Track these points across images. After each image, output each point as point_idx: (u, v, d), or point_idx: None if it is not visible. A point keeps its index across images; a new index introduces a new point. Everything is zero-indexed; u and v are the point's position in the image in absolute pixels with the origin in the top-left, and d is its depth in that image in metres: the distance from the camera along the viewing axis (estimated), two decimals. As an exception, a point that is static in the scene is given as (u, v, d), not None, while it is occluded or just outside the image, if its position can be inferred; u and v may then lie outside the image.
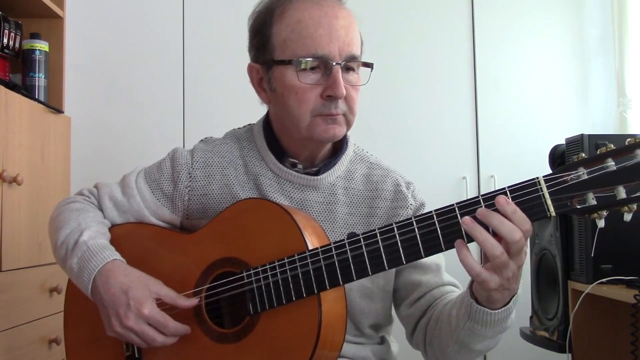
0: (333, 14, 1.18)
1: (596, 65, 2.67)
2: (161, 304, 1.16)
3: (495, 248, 0.96)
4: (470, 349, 1.13)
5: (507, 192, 0.98)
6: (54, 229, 1.28)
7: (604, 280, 1.79)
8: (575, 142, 1.90)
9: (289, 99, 1.20)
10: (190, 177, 1.29)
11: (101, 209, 1.32)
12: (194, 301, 1.17)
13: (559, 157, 1.99)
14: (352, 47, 1.19)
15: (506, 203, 0.96)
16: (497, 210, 0.96)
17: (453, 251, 1.00)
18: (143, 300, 1.13)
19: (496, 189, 1.00)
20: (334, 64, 1.17)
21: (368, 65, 1.23)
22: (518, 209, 0.96)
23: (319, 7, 1.18)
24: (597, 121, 2.63)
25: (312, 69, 1.18)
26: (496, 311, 1.04)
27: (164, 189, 1.30)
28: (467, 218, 0.98)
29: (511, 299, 1.05)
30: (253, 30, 1.26)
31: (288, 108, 1.20)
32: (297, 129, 1.21)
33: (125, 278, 1.16)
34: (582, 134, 1.87)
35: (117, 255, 1.21)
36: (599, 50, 2.67)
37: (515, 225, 0.95)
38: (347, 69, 1.20)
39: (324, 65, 1.18)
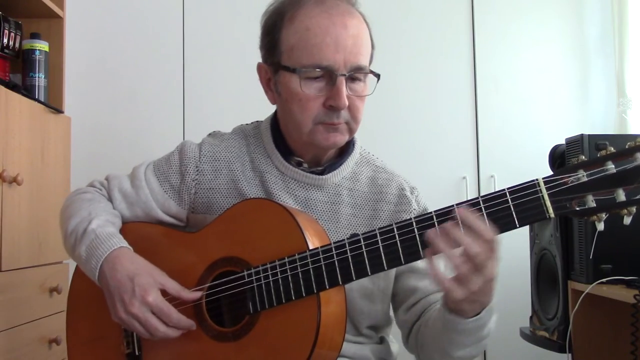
0: (342, 24, 1.17)
1: (596, 65, 2.66)
2: (165, 296, 1.16)
3: (454, 259, 0.96)
4: (451, 356, 1.13)
5: (507, 193, 0.98)
6: (65, 218, 1.29)
7: (604, 280, 1.78)
8: (575, 142, 1.90)
9: (292, 105, 1.20)
10: (197, 170, 1.30)
11: (111, 201, 1.33)
12: (197, 294, 1.17)
13: (559, 157, 1.98)
14: (359, 57, 1.18)
15: (465, 215, 0.97)
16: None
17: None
18: (148, 288, 1.14)
19: (496, 189, 1.00)
20: (339, 74, 1.16)
21: (375, 74, 1.22)
22: (477, 221, 0.96)
23: (328, 16, 1.18)
24: (597, 121, 2.62)
25: (317, 78, 1.18)
26: (468, 320, 1.05)
27: (171, 182, 1.31)
28: (432, 230, 0.99)
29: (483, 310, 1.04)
30: (264, 30, 1.26)
31: (291, 113, 1.21)
32: (299, 134, 1.22)
33: (132, 265, 1.17)
34: (582, 134, 1.86)
35: (125, 243, 1.22)
36: (599, 50, 2.67)
37: (477, 237, 0.95)
38: (353, 78, 1.19)
39: (328, 75, 1.17)
